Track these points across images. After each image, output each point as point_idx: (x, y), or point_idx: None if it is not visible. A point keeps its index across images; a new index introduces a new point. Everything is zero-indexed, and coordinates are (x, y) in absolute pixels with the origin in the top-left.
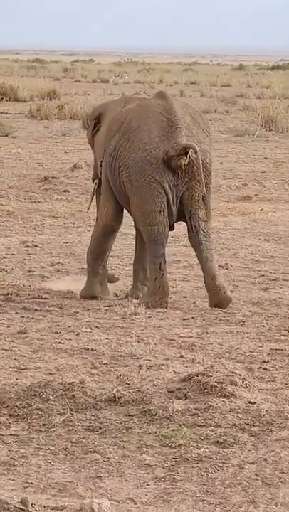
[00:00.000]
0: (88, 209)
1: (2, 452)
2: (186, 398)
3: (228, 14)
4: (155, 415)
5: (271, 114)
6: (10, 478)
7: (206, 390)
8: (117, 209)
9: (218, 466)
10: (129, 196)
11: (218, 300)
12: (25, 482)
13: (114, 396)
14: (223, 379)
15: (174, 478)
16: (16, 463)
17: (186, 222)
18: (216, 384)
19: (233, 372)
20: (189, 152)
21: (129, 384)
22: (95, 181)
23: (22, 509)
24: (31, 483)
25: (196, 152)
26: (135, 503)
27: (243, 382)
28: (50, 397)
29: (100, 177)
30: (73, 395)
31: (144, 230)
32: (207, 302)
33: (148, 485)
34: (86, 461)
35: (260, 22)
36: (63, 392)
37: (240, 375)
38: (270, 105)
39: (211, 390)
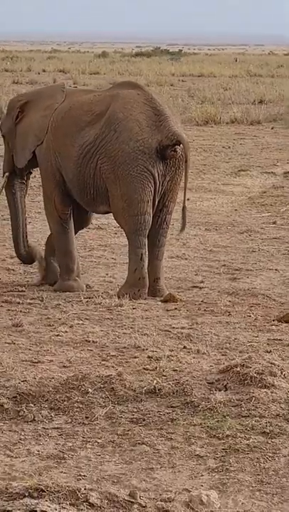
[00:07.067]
0: None
1: (49, 445)
2: (227, 389)
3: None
4: (198, 406)
5: None
6: (62, 471)
7: (246, 381)
8: (65, 196)
9: (270, 457)
10: (110, 188)
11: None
12: (78, 475)
13: (154, 388)
14: (262, 370)
15: (227, 468)
16: (65, 456)
17: (154, 214)
18: (255, 375)
19: (271, 364)
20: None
21: (166, 376)
22: (6, 174)
23: (131, 501)
24: (84, 475)
25: (184, 143)
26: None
27: (281, 373)
28: (90, 390)
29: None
30: (112, 388)
31: (127, 221)
32: (183, 292)
33: (202, 475)
34: (136, 453)
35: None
36: (102, 385)
37: (278, 366)
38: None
39: (251, 381)
